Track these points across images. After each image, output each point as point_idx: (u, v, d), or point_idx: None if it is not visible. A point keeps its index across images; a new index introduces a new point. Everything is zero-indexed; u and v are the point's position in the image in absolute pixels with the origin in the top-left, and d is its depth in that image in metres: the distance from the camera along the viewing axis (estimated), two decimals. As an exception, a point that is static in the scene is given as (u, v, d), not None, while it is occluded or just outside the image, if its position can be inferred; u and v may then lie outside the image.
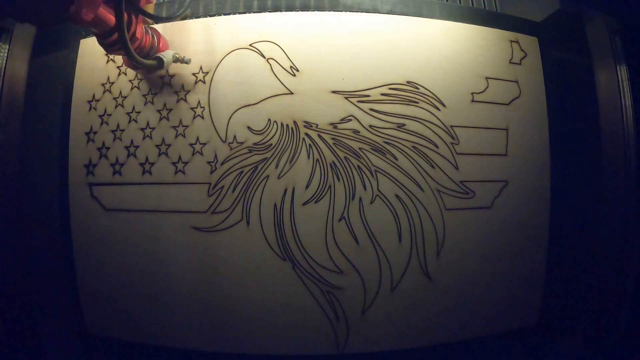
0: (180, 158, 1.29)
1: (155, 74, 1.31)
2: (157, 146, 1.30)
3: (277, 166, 1.27)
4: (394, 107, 1.30)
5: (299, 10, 1.34)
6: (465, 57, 1.35)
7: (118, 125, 1.33)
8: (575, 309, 1.44)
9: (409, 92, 1.31)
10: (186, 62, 1.27)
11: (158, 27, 1.29)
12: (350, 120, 1.29)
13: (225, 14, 1.36)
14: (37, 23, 1.02)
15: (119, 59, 1.35)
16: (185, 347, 1.29)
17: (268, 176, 1.27)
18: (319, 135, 1.28)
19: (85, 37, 1.40)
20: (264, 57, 1.30)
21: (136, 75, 1.33)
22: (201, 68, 1.31)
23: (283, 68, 1.30)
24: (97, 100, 1.35)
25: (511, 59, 1.39)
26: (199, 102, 1.30)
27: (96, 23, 0.98)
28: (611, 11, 1.40)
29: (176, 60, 1.24)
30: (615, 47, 1.45)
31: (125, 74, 1.34)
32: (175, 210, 1.28)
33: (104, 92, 1.35)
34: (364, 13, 1.35)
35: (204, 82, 1.30)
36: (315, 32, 1.31)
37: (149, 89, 1.32)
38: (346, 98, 1.29)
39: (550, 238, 1.37)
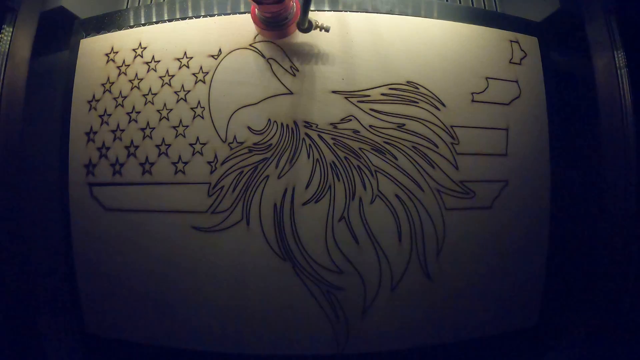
0: (180, 158, 1.29)
1: (155, 75, 1.31)
2: (157, 146, 1.30)
3: (277, 166, 1.27)
4: (394, 107, 1.30)
5: (299, 10, 1.34)
6: (466, 57, 1.36)
7: (118, 125, 1.32)
8: (575, 309, 1.44)
9: (409, 92, 1.31)
10: (326, 30, 1.25)
11: None
12: (350, 120, 1.29)
13: (225, 14, 1.36)
14: None
15: (119, 58, 1.35)
16: (184, 347, 1.29)
17: (268, 176, 1.27)
18: (319, 135, 1.28)
19: (85, 37, 1.40)
20: (264, 57, 1.30)
21: (136, 75, 1.33)
22: (201, 68, 1.30)
23: (283, 68, 1.30)
24: (97, 100, 1.35)
25: (511, 59, 1.39)
26: (199, 102, 1.30)
27: None
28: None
29: (316, 27, 1.24)
30: (616, 48, 1.45)
31: (126, 74, 1.34)
32: (175, 210, 1.28)
33: (104, 92, 1.35)
34: (363, 13, 1.35)
35: (204, 82, 1.30)
36: (314, 32, 1.31)
37: (149, 89, 1.32)
38: (346, 98, 1.29)
39: (550, 238, 1.37)
